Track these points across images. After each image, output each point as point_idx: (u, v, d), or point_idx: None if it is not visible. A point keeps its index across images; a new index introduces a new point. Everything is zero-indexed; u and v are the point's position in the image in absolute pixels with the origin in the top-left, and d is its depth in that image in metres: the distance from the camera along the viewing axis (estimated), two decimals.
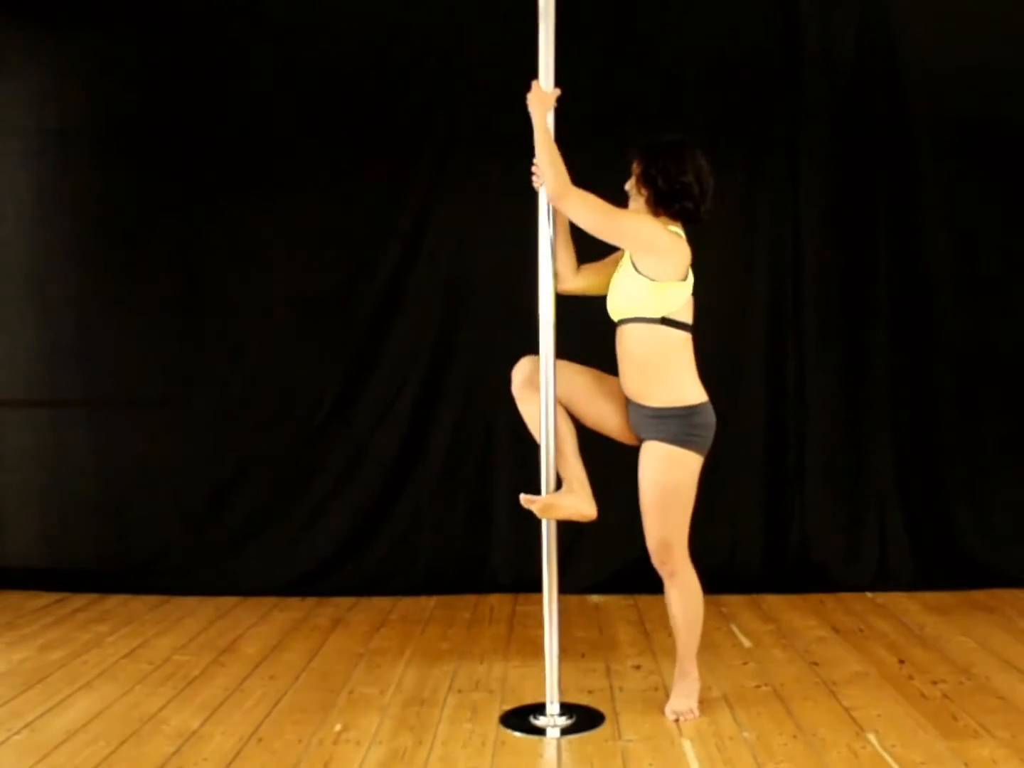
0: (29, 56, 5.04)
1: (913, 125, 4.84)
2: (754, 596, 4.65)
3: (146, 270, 4.98)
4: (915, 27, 4.82)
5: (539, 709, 3.23)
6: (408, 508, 4.88)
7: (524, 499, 3.17)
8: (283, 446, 4.93)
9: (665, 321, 3.12)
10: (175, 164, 4.95)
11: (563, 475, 3.24)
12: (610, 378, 3.27)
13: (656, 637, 4.09)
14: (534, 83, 3.17)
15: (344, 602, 4.68)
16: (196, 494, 4.95)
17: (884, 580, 4.76)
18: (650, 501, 3.23)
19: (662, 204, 3.15)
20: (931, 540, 4.81)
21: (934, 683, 3.49)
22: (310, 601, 4.71)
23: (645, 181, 3.15)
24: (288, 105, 4.89)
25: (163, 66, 4.93)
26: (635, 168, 3.18)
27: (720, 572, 4.77)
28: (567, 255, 3.25)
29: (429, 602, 4.69)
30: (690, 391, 3.17)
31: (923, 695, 3.37)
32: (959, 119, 4.83)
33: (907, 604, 4.51)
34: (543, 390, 3.18)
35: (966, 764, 2.83)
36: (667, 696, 3.35)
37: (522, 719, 3.22)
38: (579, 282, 3.28)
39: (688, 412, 3.14)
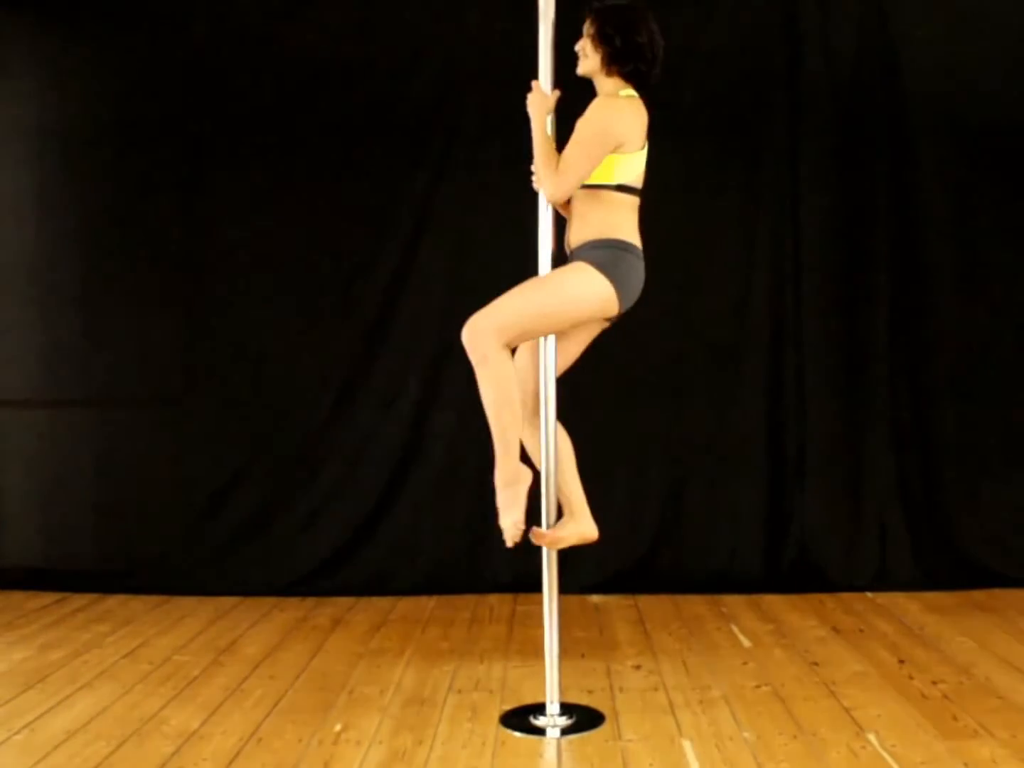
0: (29, 56, 5.04)
1: (913, 124, 4.84)
2: (754, 596, 4.65)
3: (146, 270, 4.98)
4: (915, 26, 4.83)
5: (539, 709, 3.23)
6: (408, 508, 4.88)
7: (535, 534, 3.16)
8: (283, 446, 4.93)
9: (621, 188, 3.13)
10: (175, 164, 4.96)
11: (563, 499, 3.24)
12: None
13: (656, 637, 4.09)
14: (534, 84, 3.18)
15: (344, 602, 4.68)
16: (196, 494, 4.95)
17: (884, 580, 4.76)
18: (525, 286, 3.12)
19: (617, 63, 3.15)
20: (931, 540, 4.81)
21: (934, 683, 3.49)
22: (310, 601, 4.71)
23: (601, 40, 3.14)
24: (288, 105, 4.89)
25: (164, 66, 4.94)
26: (588, 28, 3.18)
27: (720, 572, 4.79)
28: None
29: (429, 602, 4.69)
30: (626, 234, 3.15)
31: (923, 695, 3.37)
32: (959, 118, 4.84)
33: (907, 604, 4.50)
34: (543, 410, 3.17)
35: (966, 764, 2.83)
36: (667, 696, 3.36)
37: (522, 719, 3.21)
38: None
39: (621, 245, 3.12)
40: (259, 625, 4.36)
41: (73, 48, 4.99)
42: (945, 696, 3.36)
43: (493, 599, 4.70)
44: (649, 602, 4.60)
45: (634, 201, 3.19)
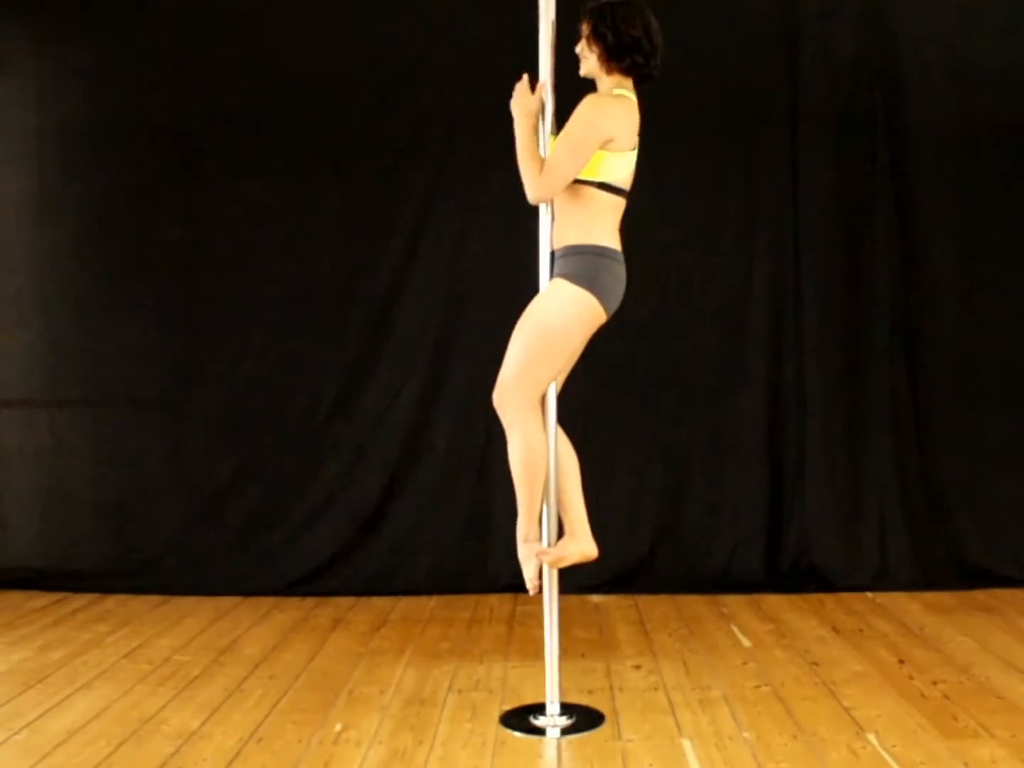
0: (29, 56, 5.04)
1: (913, 123, 4.85)
2: (754, 596, 4.65)
3: (146, 270, 4.98)
4: (915, 25, 4.83)
5: (539, 709, 3.23)
6: (408, 508, 4.88)
7: (538, 553, 3.17)
8: (283, 446, 4.93)
9: (604, 186, 3.12)
10: (175, 164, 4.96)
11: (564, 515, 3.24)
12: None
13: (656, 637, 4.09)
14: (518, 85, 3.18)
15: (344, 602, 4.68)
16: (196, 494, 4.95)
17: (884, 580, 4.75)
18: (520, 324, 3.14)
19: (613, 58, 3.15)
20: (931, 540, 4.81)
21: (934, 683, 3.49)
22: (310, 601, 4.71)
23: (596, 38, 3.15)
24: (288, 106, 4.89)
25: (164, 67, 4.94)
26: (584, 29, 3.18)
27: (720, 572, 4.79)
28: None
29: (429, 602, 4.68)
30: (604, 237, 3.13)
31: (923, 695, 3.37)
32: (959, 117, 4.84)
33: (907, 604, 4.50)
34: (548, 416, 3.17)
35: (966, 764, 2.83)
36: (667, 696, 3.37)
37: (522, 719, 3.21)
38: None
39: (597, 251, 3.11)
40: (259, 625, 4.36)
41: (73, 49, 4.98)
42: (945, 696, 3.36)
43: (493, 599, 4.70)
44: (649, 602, 4.60)
45: (617, 203, 3.17)
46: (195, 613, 4.53)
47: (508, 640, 4.09)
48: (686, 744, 3.01)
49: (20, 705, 3.41)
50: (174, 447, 4.98)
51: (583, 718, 3.21)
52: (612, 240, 3.16)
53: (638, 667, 3.72)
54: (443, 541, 4.86)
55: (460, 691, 3.49)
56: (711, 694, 3.41)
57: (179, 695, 3.48)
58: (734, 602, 4.58)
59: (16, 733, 3.16)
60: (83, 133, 4.98)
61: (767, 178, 4.89)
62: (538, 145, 3.17)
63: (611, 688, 3.50)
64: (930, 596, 4.60)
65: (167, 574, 4.88)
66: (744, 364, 4.87)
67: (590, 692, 3.45)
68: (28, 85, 5.01)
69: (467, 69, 4.78)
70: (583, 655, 3.88)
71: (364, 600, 4.71)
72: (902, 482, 4.83)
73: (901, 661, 3.74)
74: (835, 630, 4.15)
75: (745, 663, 3.75)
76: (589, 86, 3.21)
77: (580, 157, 3.07)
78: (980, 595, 4.61)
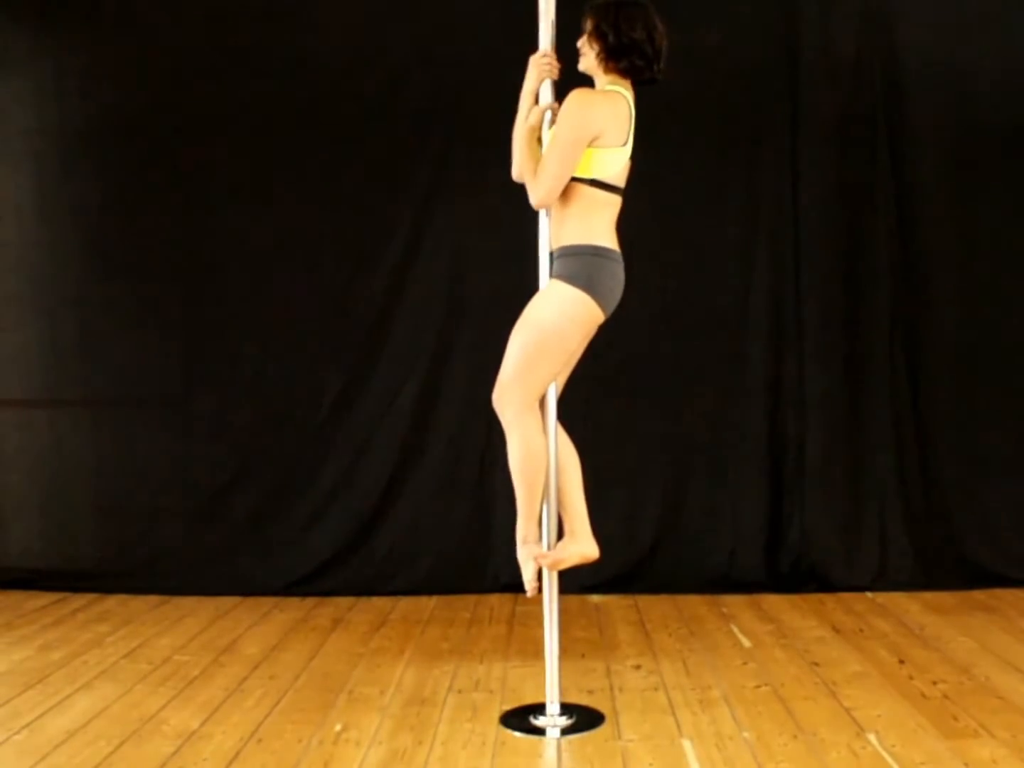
0: (29, 55, 5.03)
1: (913, 123, 4.84)
2: (754, 596, 4.65)
3: (146, 270, 4.97)
4: (915, 24, 4.82)
5: (539, 709, 3.23)
6: (408, 508, 4.88)
7: (537, 556, 3.18)
8: (283, 446, 4.93)
9: (595, 183, 3.10)
10: (175, 164, 4.94)
11: (565, 516, 3.23)
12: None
13: (656, 637, 4.09)
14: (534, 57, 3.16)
15: (344, 602, 4.68)
16: (196, 494, 4.94)
17: (884, 580, 4.75)
18: (520, 336, 3.12)
19: (612, 58, 3.14)
20: (931, 540, 4.80)
21: (934, 683, 3.48)
22: (310, 601, 4.71)
23: (597, 36, 3.14)
24: (287, 105, 4.88)
25: (163, 67, 4.93)
26: (587, 25, 3.17)
27: (720, 572, 4.79)
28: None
29: (429, 602, 4.68)
30: (599, 236, 3.11)
31: (923, 695, 3.37)
32: (959, 117, 4.84)
33: (907, 604, 4.50)
34: (548, 416, 3.17)
35: (966, 764, 2.83)
36: (667, 696, 3.37)
37: (522, 719, 3.21)
38: None
39: (593, 251, 3.10)
40: (259, 625, 4.36)
41: (72, 48, 4.98)
42: (945, 696, 3.36)
43: (493, 599, 4.70)
44: (649, 602, 4.60)
45: (612, 200, 3.15)
46: (195, 613, 4.53)
47: (508, 640, 4.09)
48: (686, 744, 3.00)
49: (20, 705, 3.41)
50: (174, 447, 4.97)
51: (583, 718, 3.21)
52: (608, 239, 3.14)
53: (638, 667, 3.72)
54: (443, 541, 4.86)
55: (460, 691, 3.49)
56: (711, 694, 3.41)
57: (179, 695, 3.48)
58: (734, 602, 4.58)
59: (16, 733, 3.16)
60: (82, 133, 4.97)
61: (767, 178, 4.88)
62: (537, 153, 3.15)
63: (611, 688, 3.49)
64: (930, 596, 4.60)
65: (167, 574, 4.88)
66: (744, 364, 4.87)
67: (590, 692, 3.45)
68: (27, 85, 5.01)
69: (467, 69, 4.78)
70: (583, 655, 3.87)
71: (364, 600, 4.71)
72: (902, 482, 4.82)
73: (901, 661, 3.74)
74: (835, 630, 4.15)
75: (745, 663, 3.75)
76: (588, 83, 3.20)
77: (570, 157, 3.05)
78: (980, 595, 4.60)
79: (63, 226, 5.01)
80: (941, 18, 4.84)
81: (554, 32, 3.20)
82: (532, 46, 3.20)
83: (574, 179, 3.09)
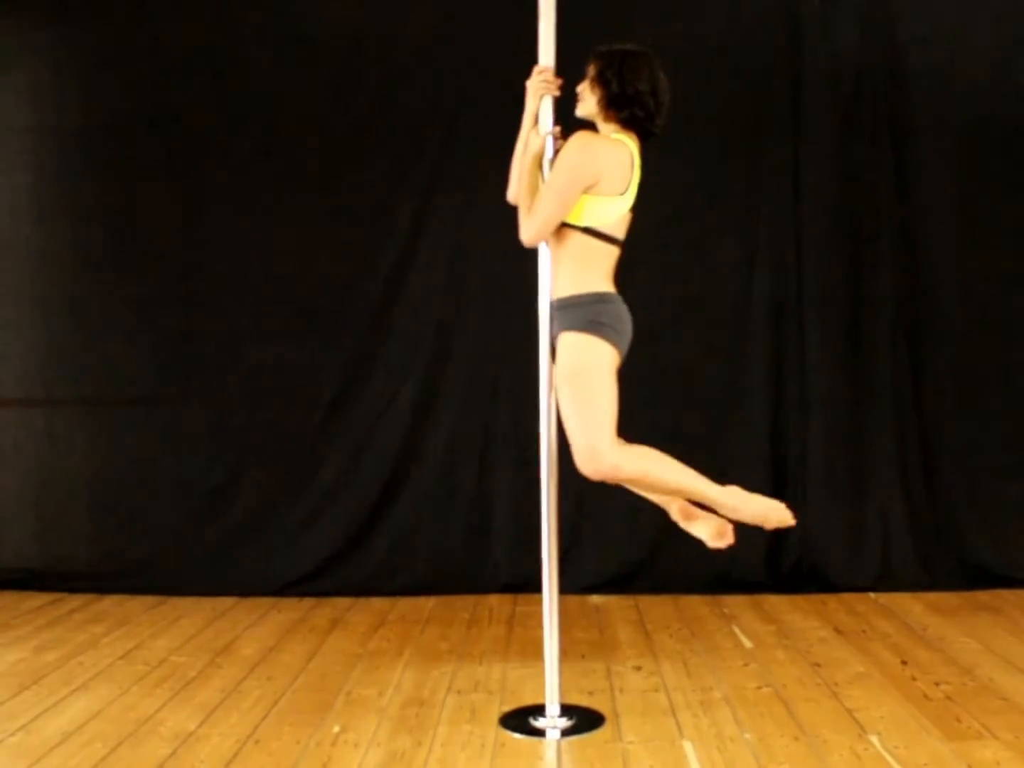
0: (26, 53, 5.02)
1: (915, 122, 4.83)
2: (756, 597, 4.63)
3: (144, 269, 4.96)
4: (917, 24, 4.81)
5: (539, 710, 3.21)
6: (407, 508, 4.86)
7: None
8: (282, 446, 4.91)
9: (588, 231, 3.06)
10: (173, 163, 4.93)
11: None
12: None
13: (656, 638, 4.07)
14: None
15: (342, 603, 4.66)
16: (194, 494, 4.93)
17: (887, 581, 4.73)
18: (566, 398, 3.08)
19: (613, 107, 3.10)
20: (934, 540, 4.79)
21: (937, 684, 3.47)
22: (308, 602, 4.69)
23: (600, 83, 3.09)
24: (287, 104, 4.87)
25: (162, 65, 4.92)
26: (590, 71, 3.13)
27: (721, 573, 4.76)
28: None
29: (428, 602, 4.66)
30: (598, 283, 3.08)
31: (926, 696, 3.35)
32: (962, 116, 4.82)
33: (910, 605, 4.49)
34: (541, 397, 3.15)
35: (969, 766, 2.81)
36: (668, 697, 3.35)
37: (522, 720, 3.19)
38: None
39: (595, 298, 3.07)
40: (257, 626, 4.34)
41: (70, 47, 4.97)
42: (948, 697, 3.34)
43: (493, 599, 4.68)
44: (649, 603, 4.58)
45: (608, 250, 3.09)
46: (192, 614, 4.52)
47: (507, 641, 4.07)
48: (687, 746, 2.99)
49: (15, 707, 3.39)
50: (171, 447, 4.96)
51: (583, 719, 3.19)
52: (606, 285, 3.10)
53: (639, 668, 3.70)
54: (442, 541, 4.84)
55: (459, 692, 3.47)
56: (712, 695, 3.39)
57: (176, 696, 3.46)
58: (735, 603, 4.56)
59: (11, 735, 3.14)
60: (81, 132, 4.96)
61: (768, 177, 4.87)
62: (536, 174, 3.13)
63: (611, 689, 3.48)
64: (933, 597, 4.58)
65: (163, 574, 4.86)
66: (746, 363, 4.85)
67: (590, 693, 3.43)
68: (25, 82, 4.99)
69: (467, 69, 4.77)
70: (583, 656, 3.86)
71: (362, 601, 4.70)
72: (904, 482, 4.81)
73: (904, 662, 3.72)
74: (837, 631, 4.13)
75: (746, 664, 3.73)
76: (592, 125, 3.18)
77: (565, 200, 3.01)
78: (983, 596, 4.59)
79: (60, 226, 4.99)
80: (944, 16, 4.83)
81: (554, 32, 3.15)
82: (533, 46, 3.17)
83: (567, 225, 3.05)
